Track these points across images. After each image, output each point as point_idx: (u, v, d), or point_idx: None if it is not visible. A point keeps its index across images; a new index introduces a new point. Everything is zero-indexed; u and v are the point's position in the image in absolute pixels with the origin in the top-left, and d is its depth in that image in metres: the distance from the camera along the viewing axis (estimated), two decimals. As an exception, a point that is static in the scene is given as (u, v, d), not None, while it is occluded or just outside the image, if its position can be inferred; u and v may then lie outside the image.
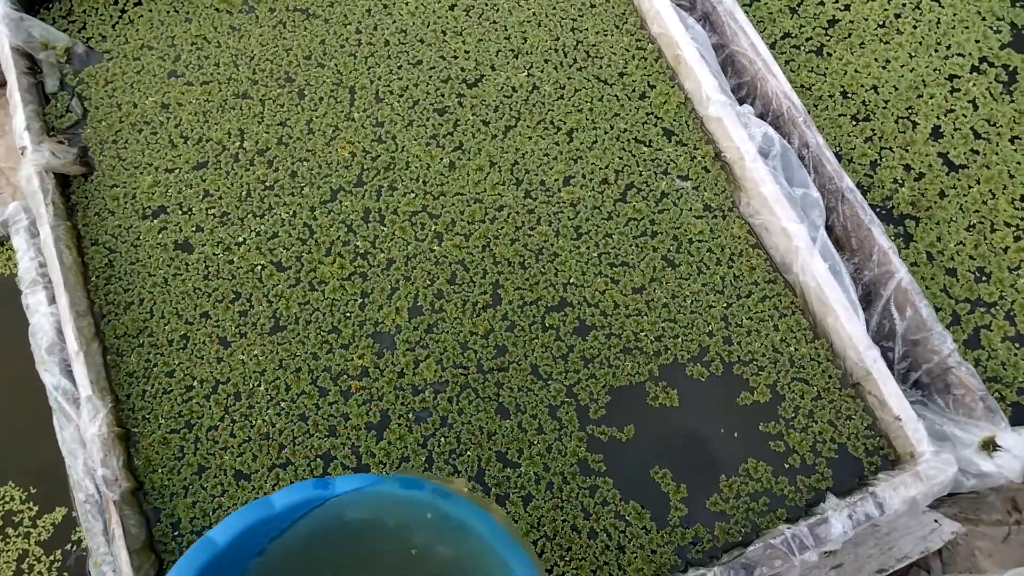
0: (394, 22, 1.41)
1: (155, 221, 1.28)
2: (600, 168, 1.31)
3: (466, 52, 1.40)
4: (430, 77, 1.37)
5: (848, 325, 1.15)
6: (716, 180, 1.30)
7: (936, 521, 1.23)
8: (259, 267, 1.23)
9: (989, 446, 1.17)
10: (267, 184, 1.29)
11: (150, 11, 1.44)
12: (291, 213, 1.27)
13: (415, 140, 1.32)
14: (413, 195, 1.28)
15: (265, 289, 1.21)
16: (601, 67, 1.39)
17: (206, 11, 1.44)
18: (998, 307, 1.32)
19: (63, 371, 1.16)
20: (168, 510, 1.04)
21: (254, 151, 1.31)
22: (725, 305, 1.21)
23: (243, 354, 1.17)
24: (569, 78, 1.38)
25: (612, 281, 1.22)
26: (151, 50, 1.41)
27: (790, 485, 1.10)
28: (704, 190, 1.29)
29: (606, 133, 1.33)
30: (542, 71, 1.38)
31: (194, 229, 1.27)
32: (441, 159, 1.30)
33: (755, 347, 1.17)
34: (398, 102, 1.35)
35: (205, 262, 1.25)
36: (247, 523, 0.71)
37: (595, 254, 1.24)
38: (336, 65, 1.38)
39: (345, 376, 1.14)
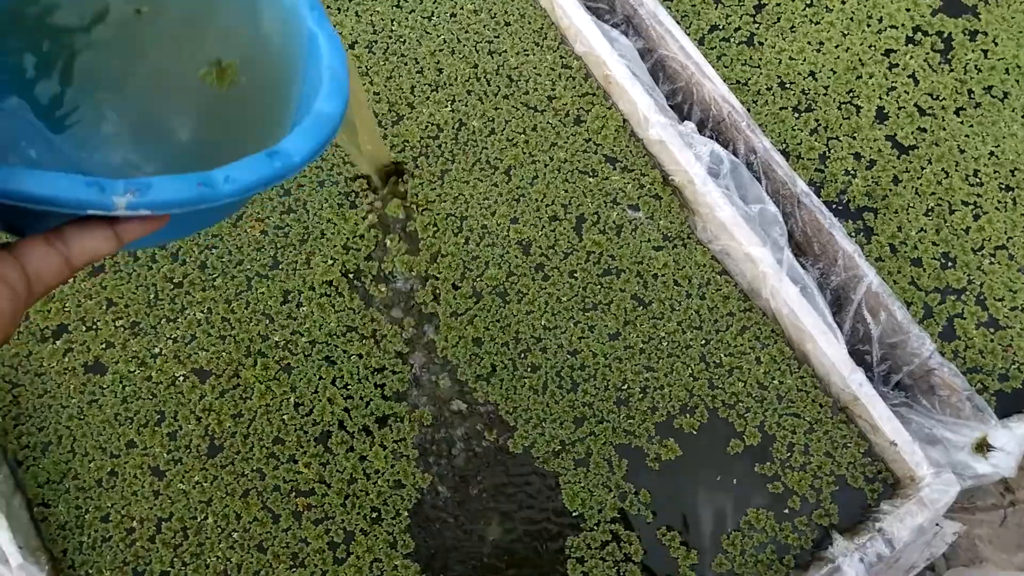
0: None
1: (57, 343, 1.13)
2: (546, 204, 1.20)
3: (376, 94, 1.26)
4: (342, 132, 1.23)
5: (829, 350, 1.09)
6: (670, 207, 1.21)
7: (937, 524, 1.20)
8: (181, 378, 1.10)
9: (983, 448, 1.14)
10: (175, 281, 1.15)
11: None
12: (206, 311, 1.13)
13: (327, 203, 1.19)
14: (331, 263, 1.15)
15: (191, 405, 1.08)
16: (528, 92, 1.27)
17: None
18: (968, 292, 1.28)
19: (-20, 532, 1.02)
20: None
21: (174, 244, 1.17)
22: (703, 343, 1.13)
23: (183, 483, 1.04)
24: (496, 108, 1.26)
25: (588, 328, 1.13)
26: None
27: (793, 531, 1.05)
28: (659, 219, 1.20)
29: (546, 166, 1.23)
30: (466, 104, 1.26)
31: (103, 346, 1.12)
32: (361, 219, 1.17)
33: (738, 388, 1.10)
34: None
35: (121, 382, 1.10)
36: None
37: (564, 297, 1.14)
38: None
39: (295, 493, 1.03)
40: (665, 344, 1.12)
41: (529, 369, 1.10)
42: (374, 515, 1.02)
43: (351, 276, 1.15)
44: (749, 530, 1.04)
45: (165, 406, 1.08)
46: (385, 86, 1.27)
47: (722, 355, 1.12)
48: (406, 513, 1.02)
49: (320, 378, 1.08)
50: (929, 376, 1.19)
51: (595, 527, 1.03)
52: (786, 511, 1.06)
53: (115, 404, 1.08)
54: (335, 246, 1.16)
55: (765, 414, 1.10)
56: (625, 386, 1.10)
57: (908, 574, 1.16)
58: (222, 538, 1.01)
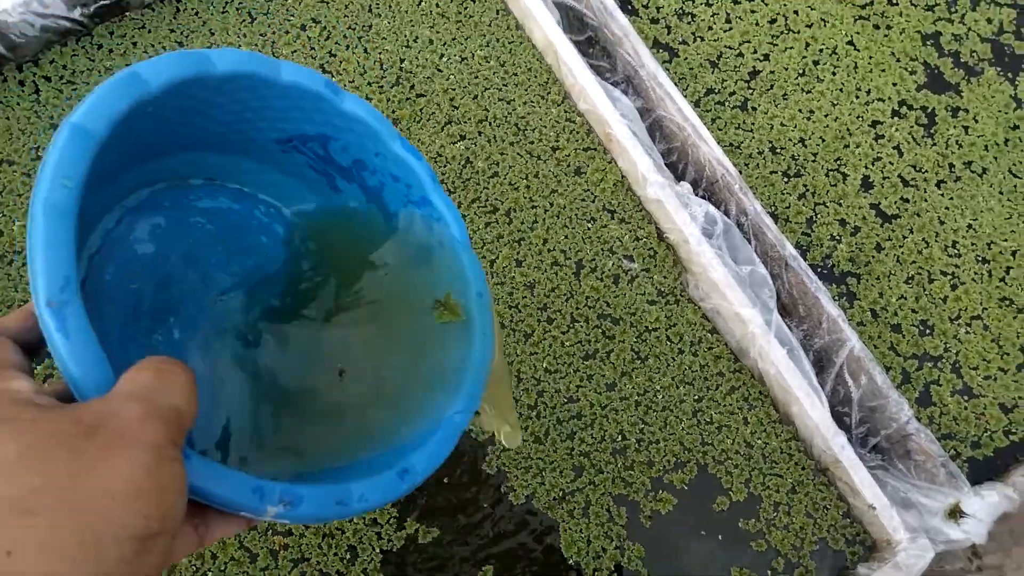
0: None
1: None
2: (547, 249, 1.23)
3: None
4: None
5: (813, 413, 1.12)
6: (664, 262, 1.24)
7: (909, 587, 1.23)
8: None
9: (955, 514, 1.17)
10: None
11: (6, 119, 1.26)
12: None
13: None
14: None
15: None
16: (533, 142, 1.31)
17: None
18: (944, 360, 1.33)
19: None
20: None
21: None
22: (696, 399, 1.15)
23: None
24: (502, 153, 1.29)
25: (587, 377, 1.15)
26: (12, 166, 1.23)
27: (772, 589, 1.07)
28: (654, 273, 1.23)
29: (546, 211, 1.26)
30: (475, 143, 1.29)
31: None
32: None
33: (727, 445, 1.13)
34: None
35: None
36: (184, 73, 0.48)
37: (567, 342, 1.16)
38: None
39: (271, 532, 1.02)
40: (660, 398, 1.15)
41: (533, 413, 1.12)
42: (348, 555, 1.02)
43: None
44: (730, 586, 1.06)
45: None
46: (394, 113, 1.29)
47: (713, 413, 1.15)
48: (379, 551, 1.03)
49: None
50: (906, 441, 1.23)
51: (580, 579, 1.04)
52: (769, 571, 1.08)
53: None
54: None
55: (751, 473, 1.12)
56: (620, 437, 1.12)
57: (880, 635, 1.19)
58: None
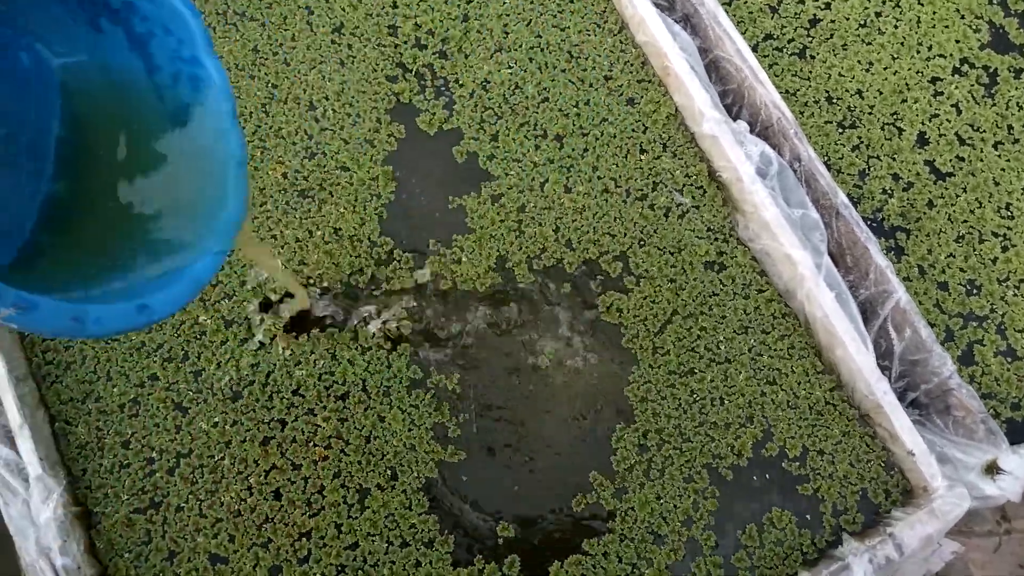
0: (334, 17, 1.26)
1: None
2: (597, 177, 1.21)
3: (428, 34, 1.27)
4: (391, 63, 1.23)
5: (858, 357, 1.11)
6: (713, 200, 1.22)
7: (937, 543, 1.22)
8: (205, 320, 1.09)
9: (992, 470, 1.16)
10: None
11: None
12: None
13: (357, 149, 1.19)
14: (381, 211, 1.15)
15: (214, 348, 1.07)
16: (586, 69, 1.28)
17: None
18: (989, 321, 1.31)
19: (3, 438, 1.01)
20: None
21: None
22: (752, 349, 1.14)
23: (204, 422, 1.03)
24: (553, 79, 1.27)
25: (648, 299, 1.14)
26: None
27: (811, 532, 1.06)
28: (703, 211, 1.21)
29: (596, 139, 1.24)
30: (525, 70, 1.27)
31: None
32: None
33: (779, 397, 1.12)
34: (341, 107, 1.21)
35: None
36: None
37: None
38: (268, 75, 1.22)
39: (313, 444, 1.02)
40: (722, 348, 1.14)
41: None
42: (389, 474, 1.02)
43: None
44: (770, 527, 1.06)
45: (189, 346, 1.07)
46: (443, 34, 1.26)
47: (766, 359, 1.14)
48: (420, 477, 1.03)
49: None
50: (946, 396, 1.21)
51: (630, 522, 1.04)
52: (808, 515, 1.07)
53: (140, 334, 1.08)
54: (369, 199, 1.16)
55: (800, 424, 1.11)
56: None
57: (905, 587, 1.19)
58: (238, 480, 1.00)
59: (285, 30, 1.24)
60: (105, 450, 1.01)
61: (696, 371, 1.11)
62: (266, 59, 1.22)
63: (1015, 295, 1.32)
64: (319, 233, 1.12)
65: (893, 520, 1.05)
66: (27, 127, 0.65)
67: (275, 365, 1.05)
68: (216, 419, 1.01)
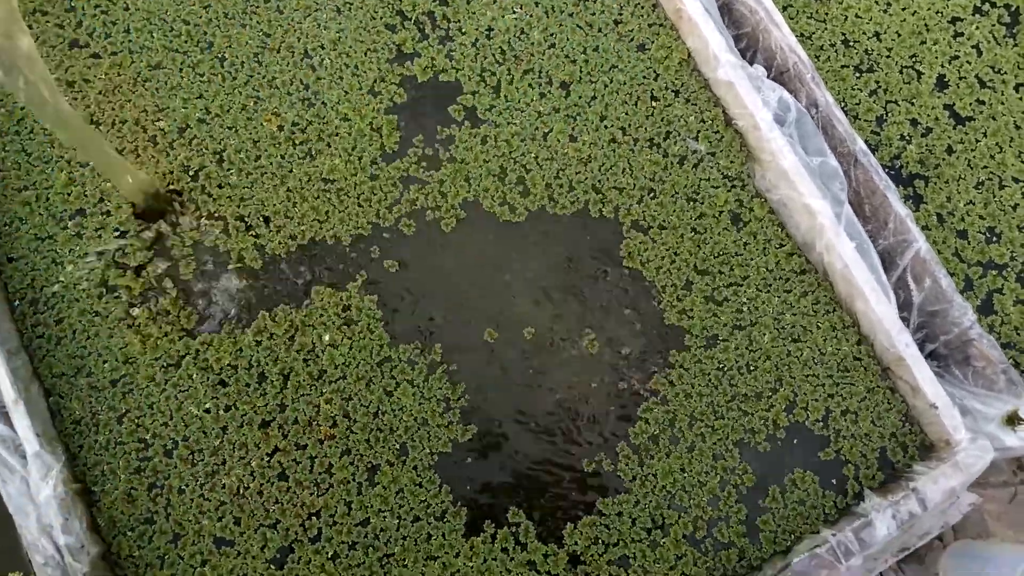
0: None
1: (71, 225, 1.07)
2: (604, 127, 1.16)
3: None
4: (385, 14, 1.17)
5: (878, 308, 1.08)
6: (730, 147, 1.18)
7: (956, 495, 1.21)
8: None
9: (1013, 421, 1.14)
10: (191, 170, 1.09)
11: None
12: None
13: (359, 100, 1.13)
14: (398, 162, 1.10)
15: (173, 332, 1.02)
16: (594, 13, 1.22)
17: (111, -38, 1.18)
18: (1009, 269, 1.27)
19: (-5, 415, 0.97)
20: (148, 589, 0.90)
21: (174, 131, 1.10)
22: (777, 311, 1.10)
23: (194, 407, 0.98)
24: (560, 24, 1.21)
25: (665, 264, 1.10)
26: (45, 16, 1.16)
27: (832, 490, 1.04)
28: (719, 158, 1.17)
29: (605, 87, 1.18)
30: (531, 15, 1.20)
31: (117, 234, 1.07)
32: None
33: (804, 355, 1.08)
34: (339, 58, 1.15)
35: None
36: None
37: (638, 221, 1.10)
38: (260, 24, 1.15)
39: (316, 424, 0.98)
40: (746, 310, 1.10)
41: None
42: (399, 450, 0.99)
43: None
44: (792, 487, 1.04)
45: (159, 328, 1.02)
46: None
47: (789, 316, 1.10)
48: (429, 451, 1.00)
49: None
50: (966, 347, 1.18)
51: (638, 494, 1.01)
52: (830, 473, 1.05)
53: (119, 306, 1.03)
54: (374, 150, 1.11)
55: (826, 381, 1.08)
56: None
57: (921, 539, 1.17)
58: (240, 464, 0.96)
59: (275, -25, 1.17)
60: (100, 426, 0.97)
61: (720, 338, 1.08)
62: (257, 6, 1.15)
63: (1036, 242, 1.29)
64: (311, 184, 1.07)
65: (915, 475, 1.03)
66: None
67: (257, 350, 1.00)
68: (207, 405, 0.97)
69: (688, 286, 1.09)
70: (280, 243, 1.05)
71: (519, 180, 1.12)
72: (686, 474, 1.01)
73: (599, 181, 1.12)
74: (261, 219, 1.06)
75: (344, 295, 1.03)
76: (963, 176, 1.31)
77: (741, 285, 1.10)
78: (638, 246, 1.09)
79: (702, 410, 1.03)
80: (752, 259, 1.12)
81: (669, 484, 1.01)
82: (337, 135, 1.11)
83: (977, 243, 1.28)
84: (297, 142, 1.09)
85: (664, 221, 1.11)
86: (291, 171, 1.07)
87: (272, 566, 0.91)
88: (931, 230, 1.28)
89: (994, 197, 1.31)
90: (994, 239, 1.29)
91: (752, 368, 1.07)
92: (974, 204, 1.30)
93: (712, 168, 1.16)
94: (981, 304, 1.26)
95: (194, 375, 0.98)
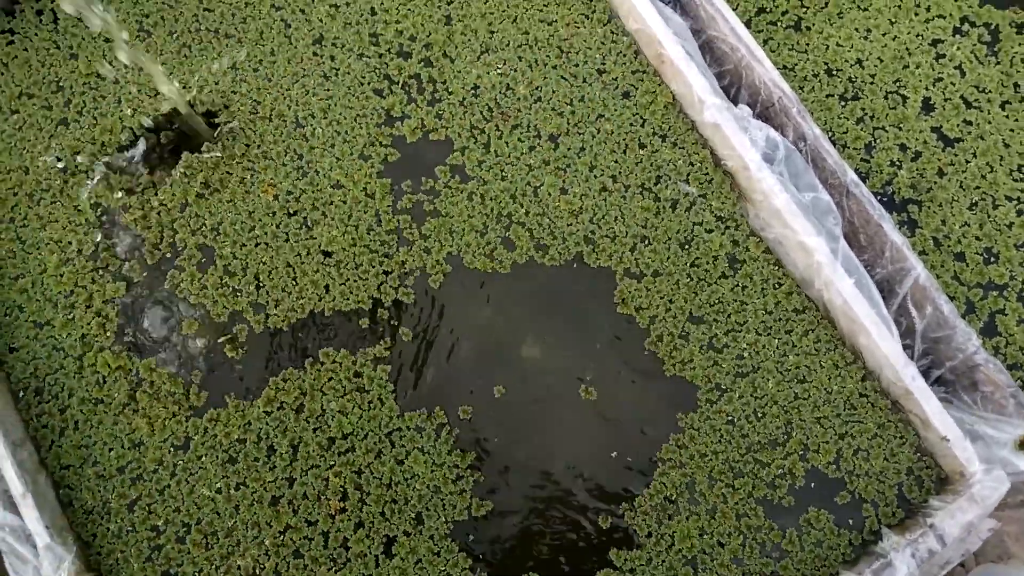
0: (312, 29, 1.20)
1: (63, 304, 1.07)
2: (595, 176, 1.16)
3: (411, 38, 1.21)
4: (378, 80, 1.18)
5: (882, 344, 1.08)
6: (721, 188, 1.18)
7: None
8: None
9: (1026, 445, 1.13)
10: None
11: (25, 50, 1.18)
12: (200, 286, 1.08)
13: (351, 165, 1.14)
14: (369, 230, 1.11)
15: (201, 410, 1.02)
16: (577, 64, 1.23)
17: (94, 43, 1.19)
18: (1010, 289, 1.27)
19: (6, 505, 0.97)
20: None
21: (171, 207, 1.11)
22: (779, 353, 1.10)
23: (205, 488, 0.98)
24: (545, 77, 1.22)
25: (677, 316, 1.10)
26: (31, 99, 1.16)
27: (847, 528, 1.04)
28: (711, 200, 1.17)
29: (593, 137, 1.19)
30: (515, 69, 1.21)
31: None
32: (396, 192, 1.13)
33: (811, 396, 1.08)
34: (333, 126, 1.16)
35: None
36: None
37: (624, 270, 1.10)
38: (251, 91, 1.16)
39: (323, 497, 0.98)
40: (748, 354, 1.09)
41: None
42: (415, 519, 0.98)
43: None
44: (808, 528, 1.03)
45: (166, 410, 1.02)
46: (425, 39, 1.21)
47: (791, 356, 1.10)
48: (445, 520, 0.99)
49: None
50: (972, 372, 1.18)
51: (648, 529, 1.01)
52: (844, 510, 1.05)
53: (122, 393, 1.02)
54: (358, 215, 1.11)
55: (835, 421, 1.08)
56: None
57: (943, 569, 1.16)
58: (254, 544, 0.95)
59: (263, 45, 1.18)
60: (112, 515, 0.97)
61: (724, 388, 1.07)
62: (246, 75, 1.16)
63: (1034, 260, 1.29)
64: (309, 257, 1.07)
65: (932, 510, 1.02)
66: None
67: (265, 422, 1.00)
68: (218, 484, 0.97)
69: (685, 336, 1.08)
70: (281, 316, 1.05)
71: (506, 235, 1.11)
72: (706, 536, 1.01)
73: (591, 232, 1.12)
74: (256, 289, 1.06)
75: (354, 360, 1.03)
76: (956, 198, 1.31)
77: (739, 330, 1.10)
78: (632, 294, 1.09)
79: (720, 468, 1.03)
80: (750, 301, 1.11)
81: (687, 547, 0.99)
82: (332, 203, 1.11)
83: (976, 264, 1.28)
84: (291, 211, 1.10)
85: (659, 268, 1.11)
86: (287, 242, 1.08)
87: (291, 651, 0.91)
88: (928, 254, 1.28)
89: (989, 217, 1.31)
90: (992, 260, 1.29)
91: (761, 416, 1.06)
92: (969, 226, 1.30)
93: (704, 211, 1.16)
94: (984, 326, 1.26)
95: (203, 455, 0.98)
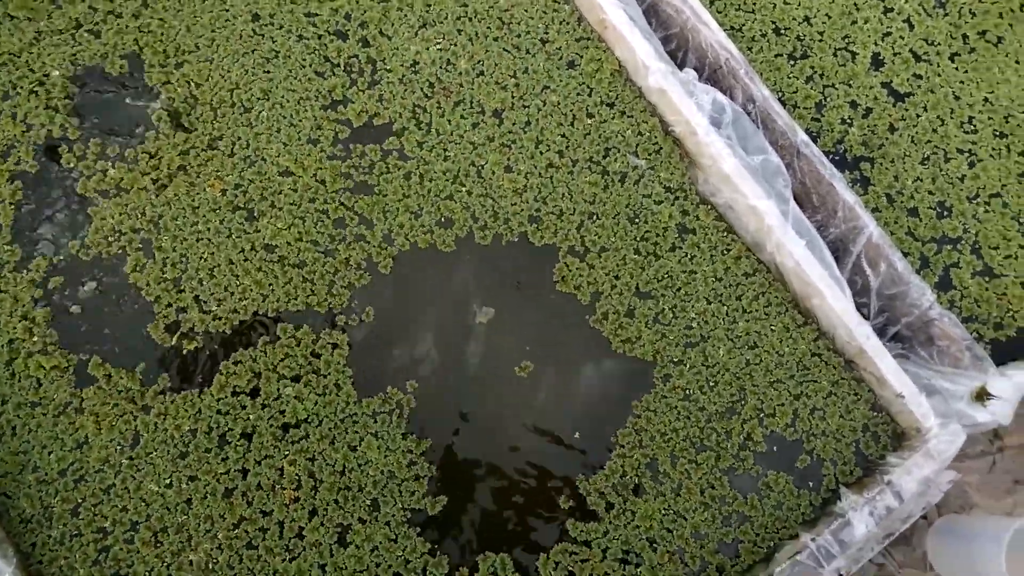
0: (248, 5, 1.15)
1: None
2: (540, 152, 1.13)
3: (346, 18, 1.17)
4: (318, 61, 1.14)
5: (836, 304, 1.07)
6: (670, 157, 1.16)
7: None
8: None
9: (982, 397, 1.14)
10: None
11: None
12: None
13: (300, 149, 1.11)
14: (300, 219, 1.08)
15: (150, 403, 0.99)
16: (520, 35, 1.20)
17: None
18: (963, 241, 1.27)
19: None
20: None
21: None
22: (729, 320, 1.09)
23: (154, 484, 0.94)
24: (487, 50, 1.18)
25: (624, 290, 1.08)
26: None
27: (807, 489, 1.04)
28: (659, 171, 1.15)
29: (539, 110, 1.16)
30: (455, 43, 1.18)
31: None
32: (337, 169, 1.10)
33: (764, 360, 1.07)
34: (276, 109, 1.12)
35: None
36: None
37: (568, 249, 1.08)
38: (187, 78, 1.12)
39: (277, 487, 0.95)
40: (696, 325, 1.08)
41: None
42: (370, 506, 0.96)
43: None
44: (767, 491, 1.03)
45: (117, 407, 0.98)
46: (361, 17, 1.17)
47: (741, 323, 1.09)
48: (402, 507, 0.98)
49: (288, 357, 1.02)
50: (928, 327, 1.18)
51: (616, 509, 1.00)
52: (799, 468, 1.05)
53: (65, 392, 0.98)
54: (295, 204, 1.08)
55: (789, 382, 1.07)
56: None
57: (904, 523, 1.17)
58: (206, 537, 0.93)
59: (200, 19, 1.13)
60: (53, 521, 0.93)
61: (674, 362, 1.06)
62: (186, 56, 1.12)
63: (986, 211, 1.29)
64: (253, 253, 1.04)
65: (889, 467, 1.02)
66: None
67: (217, 411, 0.97)
68: (167, 479, 0.94)
69: (631, 312, 1.07)
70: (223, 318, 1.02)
71: (446, 216, 1.09)
72: (669, 515, 1.00)
73: (537, 210, 1.10)
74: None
75: (315, 338, 1.00)
76: (908, 153, 1.31)
77: (688, 300, 1.08)
78: (574, 272, 1.08)
79: (681, 445, 1.02)
80: (699, 269, 1.10)
81: (646, 527, 0.99)
82: (280, 192, 1.07)
83: (929, 219, 1.28)
84: (238, 205, 1.06)
85: (606, 243, 1.10)
86: (230, 237, 1.04)
87: (249, 644, 0.89)
88: (881, 211, 1.27)
89: (941, 171, 1.30)
90: (945, 213, 1.29)
91: (714, 385, 1.06)
92: (922, 180, 1.29)
93: (654, 182, 1.14)
94: (939, 280, 1.26)
95: (152, 451, 0.95)
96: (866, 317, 1.23)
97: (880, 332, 1.25)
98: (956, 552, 1.18)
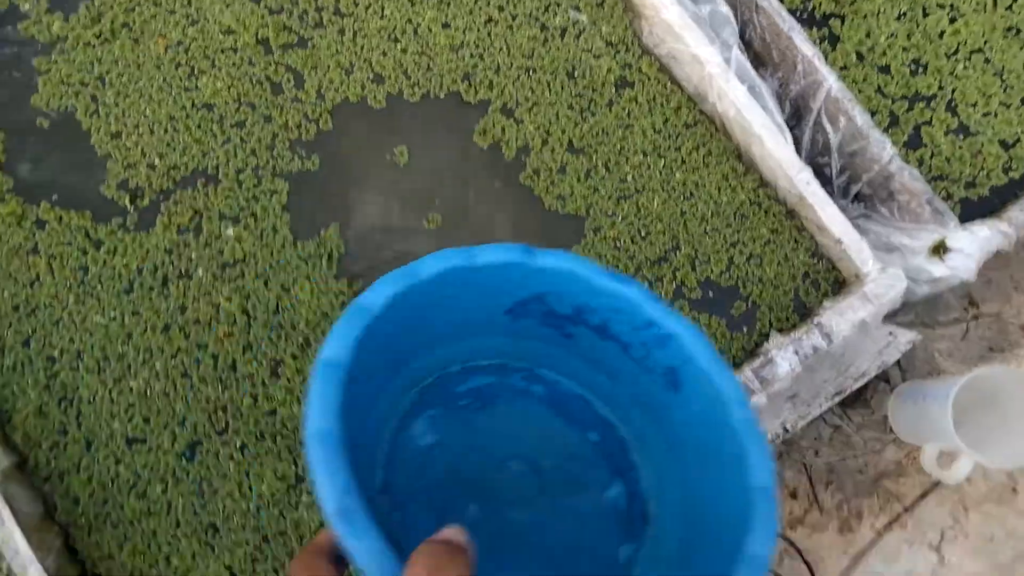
0: None
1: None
2: (479, 7, 1.12)
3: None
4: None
5: (776, 151, 1.04)
6: (614, 9, 1.14)
7: (891, 334, 1.18)
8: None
9: (939, 250, 1.10)
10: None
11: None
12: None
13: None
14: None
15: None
16: None
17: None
18: (938, 99, 1.21)
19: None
20: (62, 491, 0.95)
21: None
22: (667, 172, 1.07)
23: (100, 316, 1.01)
24: None
25: (548, 134, 1.09)
26: None
27: (740, 333, 1.03)
28: (601, 24, 1.13)
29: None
30: None
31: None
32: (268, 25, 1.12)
33: (699, 208, 1.06)
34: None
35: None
36: (396, 289, 0.51)
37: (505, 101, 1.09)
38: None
39: (214, 323, 1.01)
40: (631, 179, 1.07)
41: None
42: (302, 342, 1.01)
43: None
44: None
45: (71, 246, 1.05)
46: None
47: (679, 174, 1.07)
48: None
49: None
50: (888, 182, 1.14)
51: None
52: (735, 314, 1.04)
53: (20, 235, 1.05)
54: (237, 64, 1.11)
55: (726, 231, 1.06)
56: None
57: (857, 381, 1.16)
58: (145, 367, 0.99)
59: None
60: (6, 351, 1.00)
61: (607, 214, 1.06)
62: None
63: (965, 68, 1.22)
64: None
65: (822, 311, 1.01)
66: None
67: (164, 250, 1.03)
68: (112, 313, 1.01)
69: (563, 169, 1.07)
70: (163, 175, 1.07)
71: (376, 74, 1.10)
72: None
73: (473, 67, 1.10)
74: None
75: (256, 181, 1.05)
76: (883, 9, 1.24)
77: (625, 154, 1.08)
78: (497, 127, 1.08)
79: None
80: (636, 123, 1.09)
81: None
82: (222, 51, 1.11)
83: (901, 77, 1.22)
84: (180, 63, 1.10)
85: (539, 99, 1.09)
86: (171, 95, 1.09)
87: (183, 459, 0.96)
88: (849, 69, 1.22)
89: (918, 27, 1.24)
90: (920, 71, 1.22)
91: (646, 235, 1.05)
92: (896, 37, 1.23)
93: (595, 36, 1.12)
94: (909, 139, 1.21)
95: (98, 286, 1.01)
96: (829, 179, 1.20)
97: (843, 192, 1.22)
98: (910, 412, 1.16)
